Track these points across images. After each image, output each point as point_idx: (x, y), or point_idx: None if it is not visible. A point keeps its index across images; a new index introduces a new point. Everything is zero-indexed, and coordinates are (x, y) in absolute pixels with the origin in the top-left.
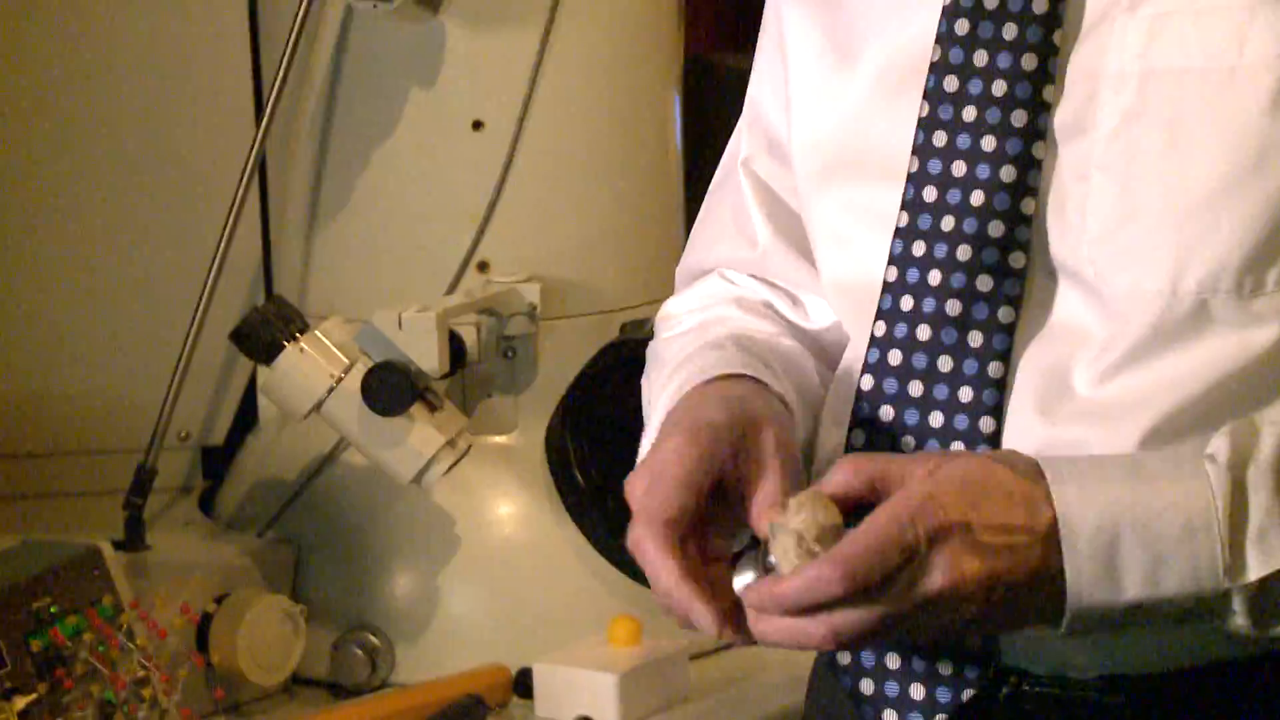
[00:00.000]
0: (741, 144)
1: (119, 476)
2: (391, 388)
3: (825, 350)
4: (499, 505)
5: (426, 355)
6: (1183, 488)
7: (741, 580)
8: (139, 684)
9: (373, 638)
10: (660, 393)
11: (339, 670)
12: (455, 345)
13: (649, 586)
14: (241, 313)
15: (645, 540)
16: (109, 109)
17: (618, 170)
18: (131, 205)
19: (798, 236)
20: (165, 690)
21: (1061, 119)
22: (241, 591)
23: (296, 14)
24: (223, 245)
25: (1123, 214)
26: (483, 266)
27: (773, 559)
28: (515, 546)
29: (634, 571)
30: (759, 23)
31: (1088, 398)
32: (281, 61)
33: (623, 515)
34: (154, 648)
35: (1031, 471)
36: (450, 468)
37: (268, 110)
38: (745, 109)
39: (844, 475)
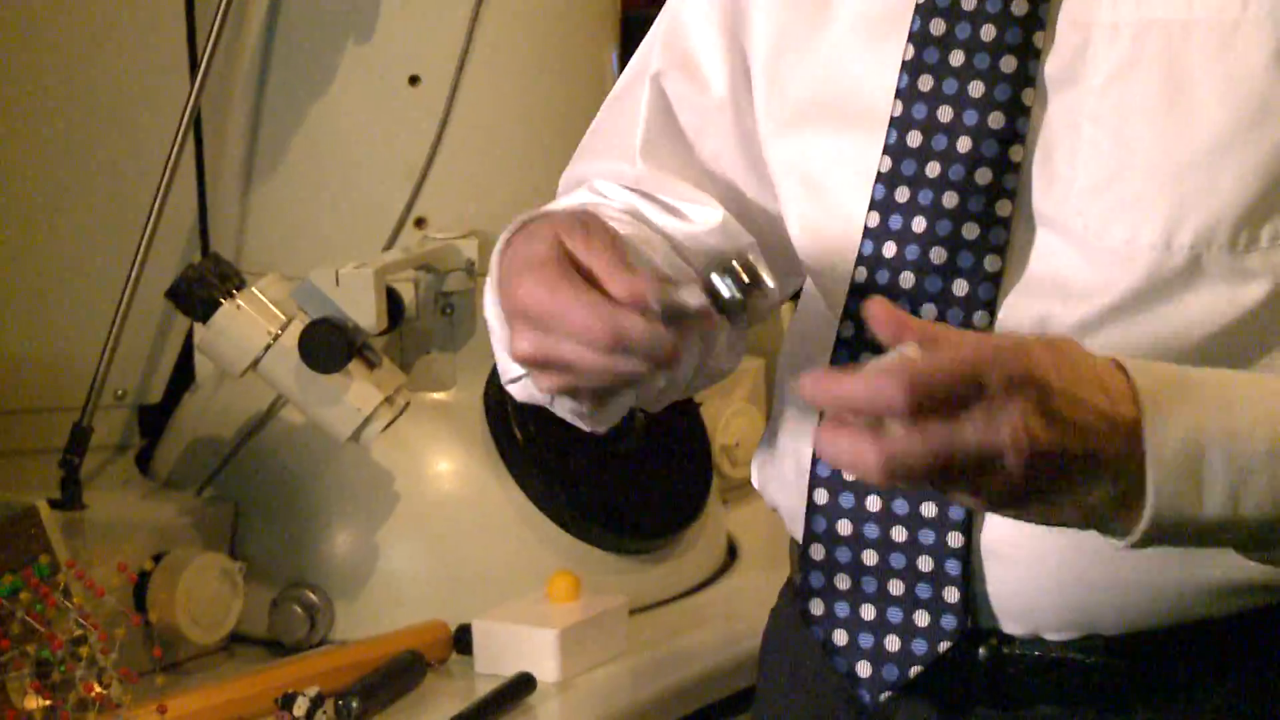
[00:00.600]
0: (653, 57)
1: (55, 435)
2: (329, 345)
3: (703, 251)
4: (438, 462)
5: (364, 312)
6: (1266, 407)
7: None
8: (76, 643)
9: (312, 595)
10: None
11: (278, 628)
12: (393, 302)
13: (589, 543)
14: (177, 270)
15: (537, 277)
16: (38, 64)
17: (555, 125)
18: (64, 162)
19: (679, 163)
20: (103, 649)
21: (1052, 67)
22: (179, 550)
23: None
24: (158, 202)
25: (1115, 166)
26: (420, 222)
27: None
28: (454, 503)
29: (573, 527)
30: None
31: None
32: (216, 15)
33: (562, 471)
34: (91, 607)
35: (1117, 366)
36: (389, 425)
37: (202, 66)
38: (663, 22)
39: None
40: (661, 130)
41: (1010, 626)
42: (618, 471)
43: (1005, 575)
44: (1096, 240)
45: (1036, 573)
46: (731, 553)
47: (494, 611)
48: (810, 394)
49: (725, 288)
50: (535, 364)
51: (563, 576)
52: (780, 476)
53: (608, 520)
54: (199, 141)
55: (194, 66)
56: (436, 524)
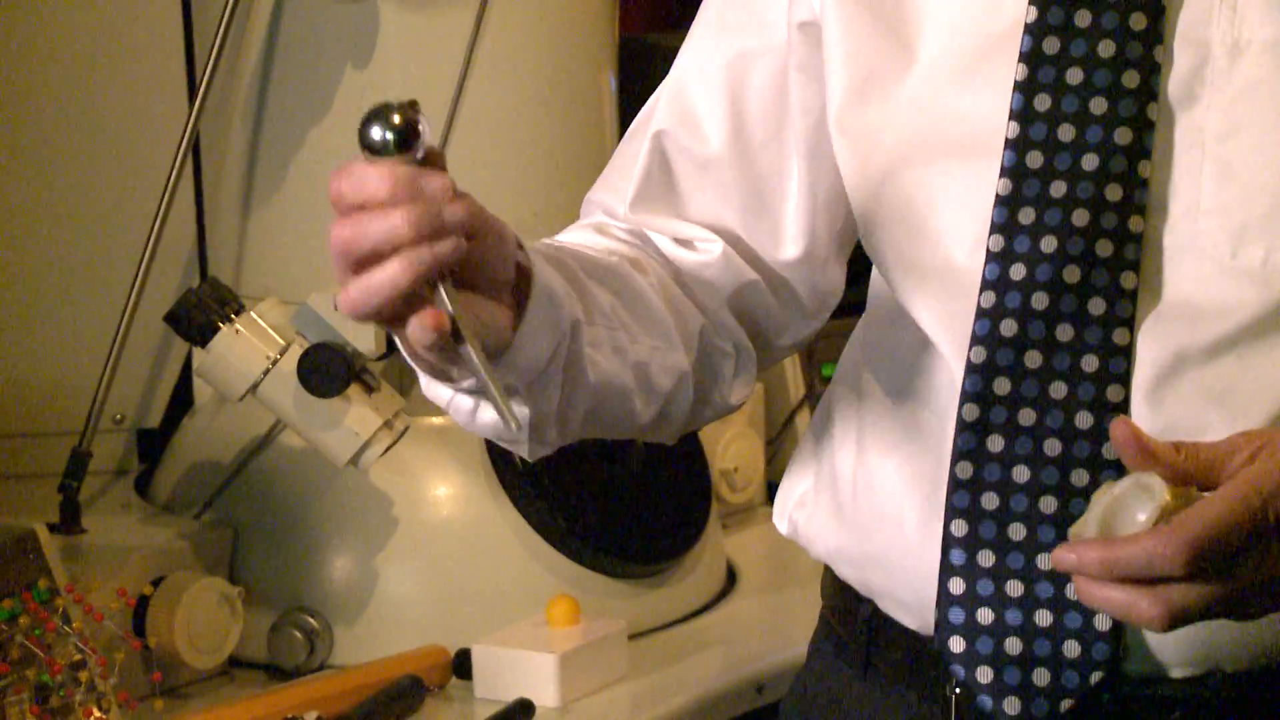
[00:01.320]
0: (657, 113)
1: (54, 459)
2: (327, 369)
3: (707, 286)
4: (436, 486)
5: (362, 336)
6: None
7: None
8: (75, 667)
9: (311, 619)
10: None
11: (277, 652)
12: None
13: (588, 567)
14: (176, 295)
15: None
16: (39, 89)
17: (553, 150)
18: (64, 187)
19: (669, 214)
20: (102, 674)
21: (1171, 85)
22: (178, 574)
23: None
24: (157, 227)
25: (1244, 185)
26: None
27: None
28: (453, 527)
29: (573, 552)
30: (693, 3)
31: (1210, 374)
32: (215, 41)
33: (561, 496)
34: (90, 631)
35: None
36: (387, 449)
37: (201, 90)
38: (670, 80)
39: (1169, 455)
40: (657, 184)
41: (1134, 665)
42: (617, 496)
43: None
44: (1229, 260)
45: None
46: (731, 577)
47: (493, 636)
48: (1076, 563)
49: (377, 129)
50: (346, 261)
51: (562, 601)
52: (870, 525)
53: (607, 545)
54: (198, 165)
55: (193, 90)
56: (435, 548)
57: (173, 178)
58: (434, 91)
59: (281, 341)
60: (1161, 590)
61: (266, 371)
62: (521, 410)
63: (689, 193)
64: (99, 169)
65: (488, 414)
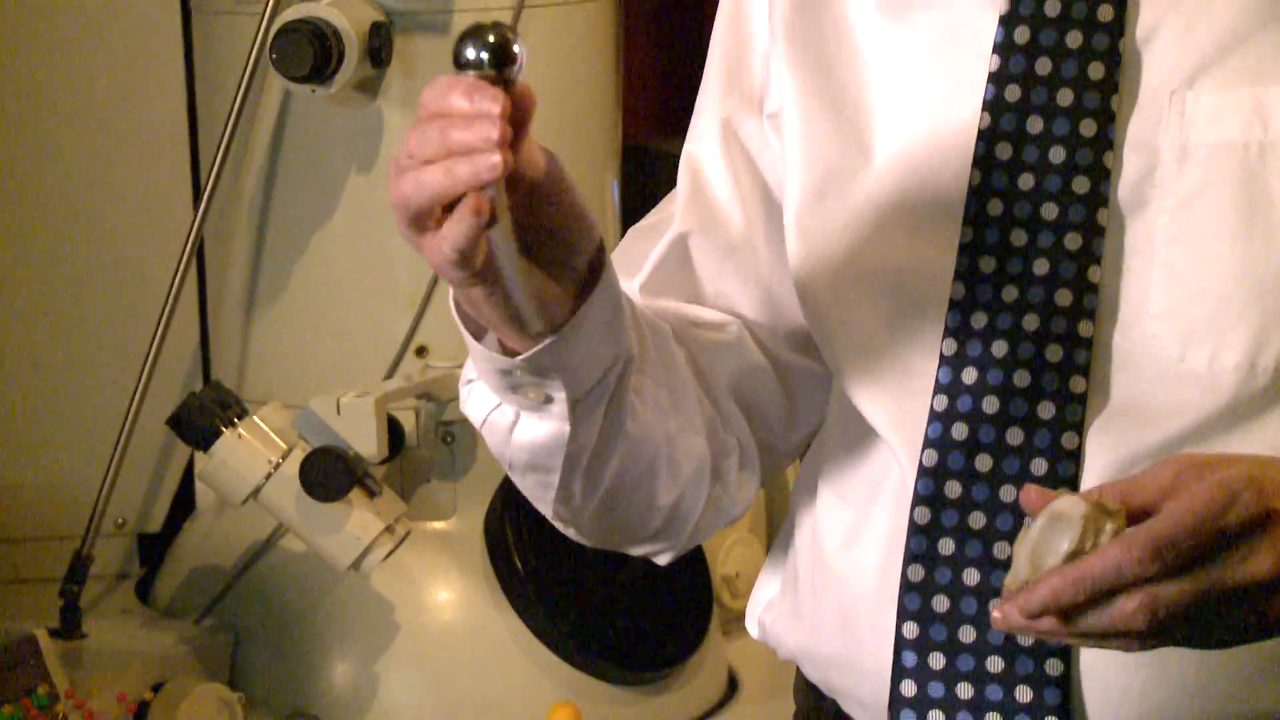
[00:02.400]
0: (678, 216)
1: (55, 564)
2: (330, 473)
3: (721, 365)
4: (438, 591)
5: (365, 440)
6: None
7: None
8: None
9: None
10: None
11: None
12: (394, 430)
13: (590, 674)
14: (179, 398)
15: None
16: (44, 191)
17: None
18: (68, 289)
19: (682, 297)
20: None
21: (1121, 190)
22: (179, 680)
23: (235, 97)
24: (160, 330)
25: (1191, 289)
26: (421, 351)
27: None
28: (454, 633)
29: (574, 658)
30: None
31: None
32: (220, 144)
33: (562, 601)
34: None
35: None
36: (389, 554)
37: (206, 193)
38: (684, 176)
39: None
40: (669, 275)
41: None
42: (618, 601)
43: (1103, 697)
44: (1176, 363)
45: (1131, 683)
46: (732, 684)
47: None
48: (1037, 602)
49: (471, 47)
50: (405, 206)
51: (563, 707)
52: (826, 625)
53: (608, 651)
54: (201, 269)
55: (197, 194)
56: (437, 654)
57: (177, 280)
58: None
59: (284, 446)
60: (1148, 588)
61: (269, 476)
62: (557, 390)
63: (705, 279)
64: (103, 271)
65: (526, 431)
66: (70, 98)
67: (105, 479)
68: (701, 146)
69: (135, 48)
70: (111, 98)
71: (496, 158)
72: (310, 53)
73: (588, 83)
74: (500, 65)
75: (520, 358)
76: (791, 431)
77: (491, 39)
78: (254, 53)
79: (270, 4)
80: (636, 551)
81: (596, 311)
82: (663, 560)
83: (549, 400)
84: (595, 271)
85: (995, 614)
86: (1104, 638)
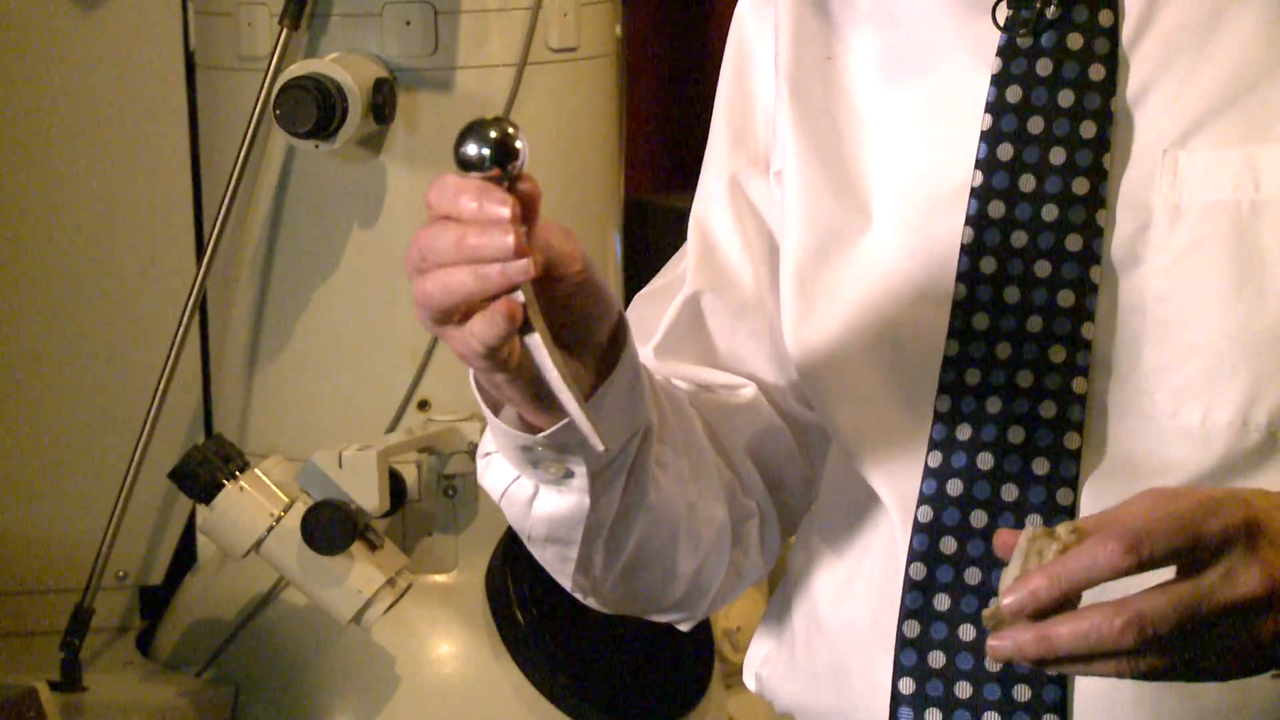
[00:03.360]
0: (689, 276)
1: (56, 617)
2: (331, 526)
3: (736, 430)
4: (439, 644)
5: (367, 494)
6: None
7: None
8: None
9: None
10: None
11: None
12: (395, 484)
13: None
14: (181, 452)
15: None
16: (47, 244)
17: None
18: (70, 342)
19: (695, 358)
20: None
21: (1114, 247)
22: None
23: (238, 152)
24: (163, 383)
25: (1185, 346)
26: (423, 405)
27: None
28: (456, 685)
29: (575, 711)
30: (696, 166)
31: None
32: (223, 199)
33: (563, 654)
34: None
35: None
36: (390, 606)
37: (209, 247)
38: (694, 236)
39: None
40: (683, 336)
41: None
42: (619, 654)
43: (1100, 695)
44: (1169, 419)
45: (1128, 682)
46: None
47: None
48: (1015, 605)
49: (473, 144)
50: (431, 307)
51: None
52: (821, 679)
53: (609, 704)
54: (204, 323)
55: (200, 248)
56: (438, 707)
57: (180, 334)
58: None
59: (285, 499)
60: (1128, 599)
61: (270, 529)
62: (596, 445)
63: (719, 339)
64: (106, 324)
65: (546, 504)
66: (75, 154)
67: (107, 531)
68: (710, 207)
69: (139, 104)
70: (116, 154)
71: (525, 262)
72: (313, 109)
73: (590, 137)
74: (504, 162)
75: (542, 435)
76: (810, 491)
77: (494, 134)
78: (257, 108)
79: (274, 60)
80: (658, 619)
81: (618, 385)
82: (684, 628)
83: (569, 474)
84: (615, 343)
85: (991, 642)
86: (1094, 659)
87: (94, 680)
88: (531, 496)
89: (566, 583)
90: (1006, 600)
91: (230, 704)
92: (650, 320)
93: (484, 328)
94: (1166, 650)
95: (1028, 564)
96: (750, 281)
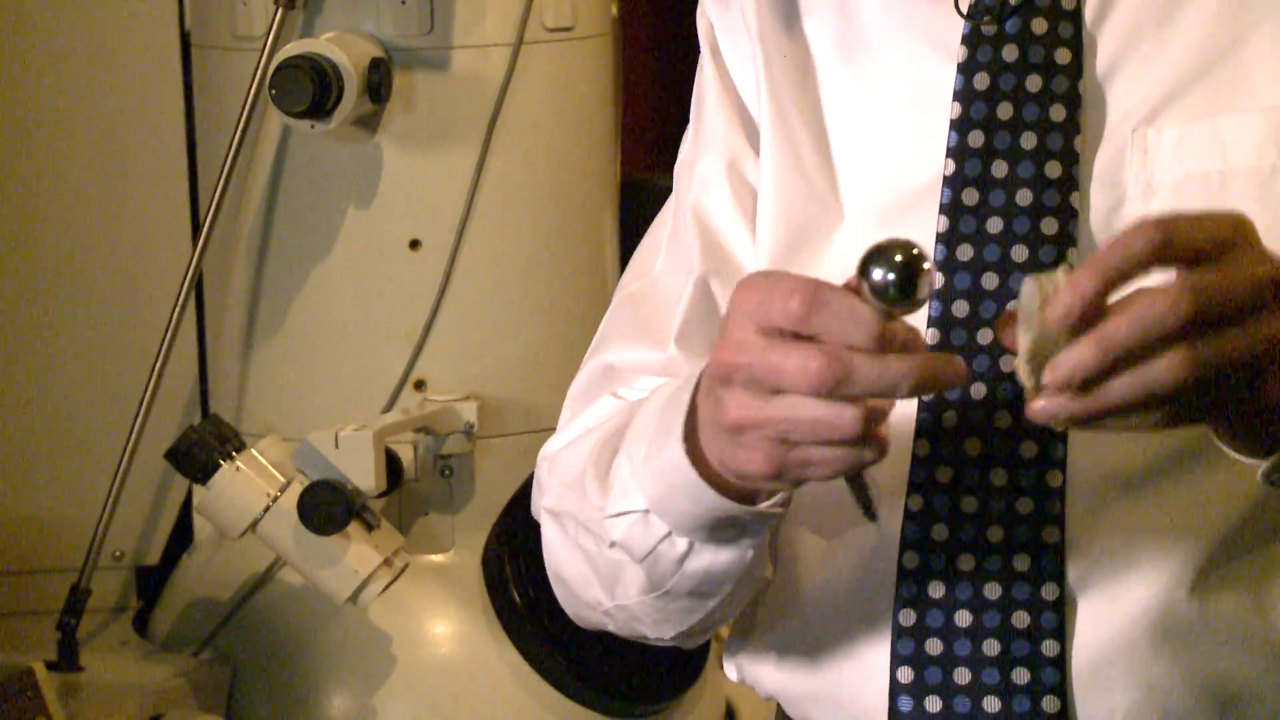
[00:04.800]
0: (696, 262)
1: (53, 597)
2: (328, 506)
3: None
4: (435, 624)
5: (363, 474)
6: None
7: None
8: None
9: None
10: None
11: None
12: (392, 464)
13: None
14: (177, 432)
15: (825, 289)
16: (43, 224)
17: (554, 289)
18: (66, 322)
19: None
20: None
21: (1090, 227)
22: (176, 713)
23: (234, 132)
24: (159, 363)
25: None
26: (420, 385)
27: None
28: (452, 665)
29: (572, 691)
30: None
31: (1141, 504)
32: (219, 179)
33: (559, 633)
34: None
35: None
36: (387, 586)
37: (205, 227)
38: (692, 226)
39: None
40: (701, 319)
41: None
42: (616, 634)
43: (1099, 675)
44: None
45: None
46: (729, 717)
47: None
48: (1079, 359)
49: (879, 271)
50: (746, 431)
51: None
52: (809, 664)
53: (606, 684)
54: (200, 303)
55: (196, 229)
56: (434, 687)
57: (175, 314)
58: (435, 231)
59: (282, 479)
60: (1190, 274)
61: (267, 509)
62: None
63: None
64: (102, 304)
65: (702, 560)
66: (70, 133)
67: (103, 512)
68: (710, 193)
69: (135, 84)
70: (111, 133)
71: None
72: (309, 88)
73: (586, 117)
74: (906, 299)
75: (757, 509)
76: None
77: (906, 268)
78: (253, 88)
79: (269, 40)
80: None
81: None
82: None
83: (744, 534)
84: None
85: (1038, 404)
86: (1131, 410)
87: (90, 660)
88: (684, 554)
89: (670, 631)
90: (1098, 341)
91: (227, 684)
92: (655, 318)
93: (829, 461)
94: (1215, 332)
95: (1044, 292)
96: (747, 254)
